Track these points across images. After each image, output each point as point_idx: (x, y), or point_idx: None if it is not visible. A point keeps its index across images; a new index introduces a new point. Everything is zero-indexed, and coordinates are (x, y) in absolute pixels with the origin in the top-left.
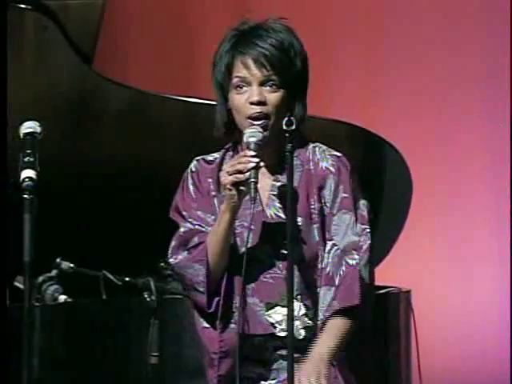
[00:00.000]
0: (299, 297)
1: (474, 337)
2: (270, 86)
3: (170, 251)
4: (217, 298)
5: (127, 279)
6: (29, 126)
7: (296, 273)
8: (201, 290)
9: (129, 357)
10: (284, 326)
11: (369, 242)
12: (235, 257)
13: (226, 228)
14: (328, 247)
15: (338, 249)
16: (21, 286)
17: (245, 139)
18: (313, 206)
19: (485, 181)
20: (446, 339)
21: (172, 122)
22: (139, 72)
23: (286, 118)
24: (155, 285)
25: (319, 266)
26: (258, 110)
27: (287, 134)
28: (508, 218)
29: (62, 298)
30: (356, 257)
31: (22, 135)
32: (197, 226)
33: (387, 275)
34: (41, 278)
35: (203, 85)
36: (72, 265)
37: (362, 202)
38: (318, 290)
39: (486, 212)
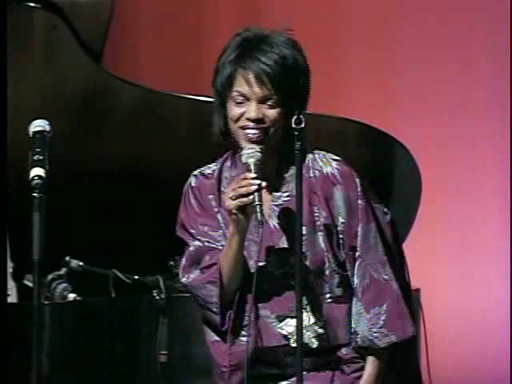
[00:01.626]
0: (308, 307)
1: (474, 336)
2: (270, 105)
3: (181, 270)
4: (229, 313)
5: (136, 277)
6: (38, 125)
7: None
8: (214, 310)
9: (138, 355)
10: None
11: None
12: (244, 271)
13: (237, 249)
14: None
15: (364, 261)
16: (30, 285)
17: (243, 160)
18: (317, 214)
19: (488, 181)
20: (445, 338)
21: (182, 121)
22: (148, 70)
23: (295, 117)
24: (164, 283)
25: (326, 273)
26: (253, 132)
27: (296, 133)
28: (508, 217)
29: (72, 296)
30: (382, 272)
31: (31, 133)
32: (206, 244)
33: None
34: (50, 277)
35: None
36: (81, 263)
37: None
38: (328, 296)
39: (486, 212)
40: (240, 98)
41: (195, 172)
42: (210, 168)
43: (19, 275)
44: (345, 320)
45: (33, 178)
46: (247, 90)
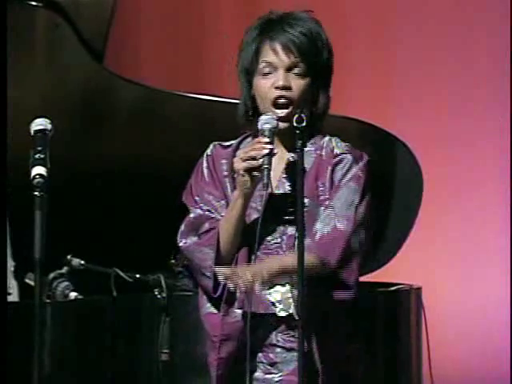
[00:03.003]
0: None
1: (474, 336)
2: (296, 73)
3: (178, 235)
4: (223, 283)
5: (138, 276)
6: (39, 123)
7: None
8: (207, 274)
9: (139, 353)
10: (283, 305)
11: (362, 219)
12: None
13: (238, 214)
14: (323, 209)
15: (333, 212)
16: (31, 283)
17: (259, 126)
18: (321, 188)
19: (488, 181)
20: (445, 338)
21: (183, 120)
22: (149, 70)
23: (297, 116)
24: (166, 282)
25: None
26: (283, 94)
27: (298, 131)
28: (508, 217)
29: (73, 294)
30: (345, 222)
31: (32, 132)
32: (206, 212)
33: (394, 273)
34: (51, 275)
35: (214, 82)
36: (83, 262)
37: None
38: None
39: (486, 212)
40: (267, 69)
41: (215, 142)
42: (230, 142)
43: (21, 274)
44: None
45: (34, 177)
46: (274, 59)
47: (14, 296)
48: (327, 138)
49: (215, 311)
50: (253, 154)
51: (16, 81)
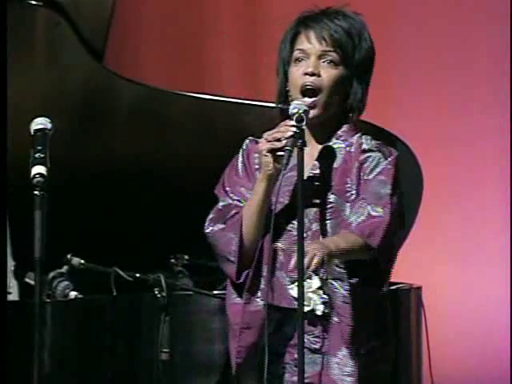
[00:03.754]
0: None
1: (474, 336)
2: (328, 62)
3: (206, 223)
4: (247, 270)
5: (138, 275)
6: (39, 123)
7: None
8: (232, 259)
9: (139, 353)
10: (306, 301)
11: (396, 210)
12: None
13: (261, 198)
14: (354, 202)
15: (365, 202)
16: (31, 283)
17: (289, 111)
18: (349, 184)
19: (488, 180)
20: (445, 338)
21: (184, 119)
22: (150, 69)
23: (297, 115)
24: (166, 281)
25: None
26: (311, 80)
27: (298, 130)
28: (508, 217)
29: (73, 294)
30: (380, 210)
31: (32, 131)
32: (235, 202)
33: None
34: (51, 274)
35: (214, 82)
36: (83, 261)
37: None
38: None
39: (486, 212)
40: (300, 56)
41: (250, 137)
42: None
43: (21, 273)
44: None
45: (34, 176)
46: (307, 46)
47: (13, 295)
48: (358, 135)
49: (239, 299)
50: (277, 135)
51: (15, 80)
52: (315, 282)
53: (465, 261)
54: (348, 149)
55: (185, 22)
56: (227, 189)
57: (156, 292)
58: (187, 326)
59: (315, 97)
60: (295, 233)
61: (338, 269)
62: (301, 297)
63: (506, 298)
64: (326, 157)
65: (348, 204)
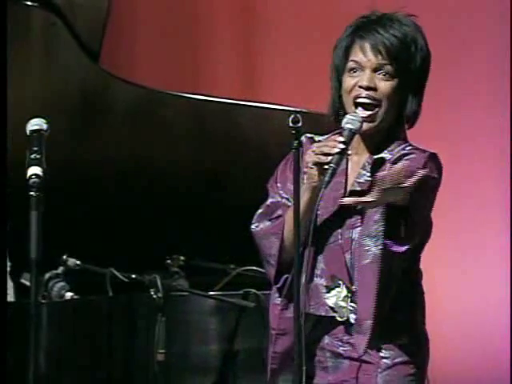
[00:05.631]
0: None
1: (474, 336)
2: (383, 74)
3: (255, 218)
4: (286, 275)
5: (134, 276)
6: (35, 123)
7: (347, 256)
8: (272, 262)
9: (135, 354)
10: (338, 309)
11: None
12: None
13: (303, 209)
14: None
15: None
16: (27, 283)
17: (342, 123)
18: None
19: (488, 180)
20: (445, 338)
21: (180, 120)
22: (144, 69)
23: (293, 116)
24: (162, 282)
25: None
26: (367, 93)
27: (293, 132)
28: (508, 217)
29: (69, 294)
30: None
31: (28, 132)
32: (284, 200)
33: None
34: (47, 275)
35: (210, 82)
36: (78, 262)
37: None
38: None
39: (486, 212)
40: (355, 66)
41: (307, 134)
42: (323, 137)
43: (16, 274)
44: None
45: (30, 177)
46: (362, 58)
47: (10, 296)
48: (403, 145)
49: (279, 300)
50: (325, 149)
51: (12, 81)
52: (343, 291)
53: (465, 261)
54: (389, 159)
55: (179, 23)
56: (279, 184)
57: (152, 293)
58: (183, 326)
59: (371, 110)
60: (335, 242)
61: (375, 226)
62: (297, 296)
63: (506, 299)
64: (377, 169)
65: (380, 209)
